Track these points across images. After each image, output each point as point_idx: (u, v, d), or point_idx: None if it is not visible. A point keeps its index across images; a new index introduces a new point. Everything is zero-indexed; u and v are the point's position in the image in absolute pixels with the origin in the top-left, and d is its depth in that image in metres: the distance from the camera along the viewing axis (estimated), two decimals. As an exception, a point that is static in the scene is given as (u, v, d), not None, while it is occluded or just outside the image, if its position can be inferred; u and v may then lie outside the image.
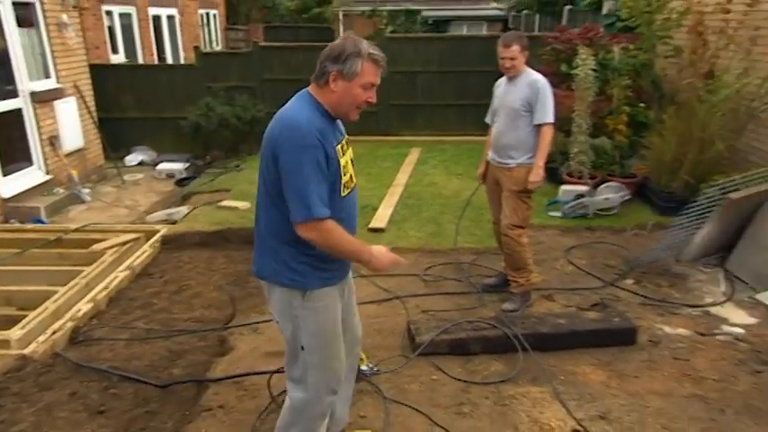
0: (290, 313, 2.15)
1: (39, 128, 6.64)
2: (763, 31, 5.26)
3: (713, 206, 4.35)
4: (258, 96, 8.81)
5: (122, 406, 3.00)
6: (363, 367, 3.10)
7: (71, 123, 7.22)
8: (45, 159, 6.74)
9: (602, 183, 5.65)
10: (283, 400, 2.88)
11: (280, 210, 2.03)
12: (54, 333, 3.59)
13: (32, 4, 6.64)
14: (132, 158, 8.53)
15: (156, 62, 11.23)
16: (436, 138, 9.01)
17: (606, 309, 3.81)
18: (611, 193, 5.50)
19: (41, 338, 3.52)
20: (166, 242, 5.17)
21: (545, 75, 3.78)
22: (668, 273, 4.42)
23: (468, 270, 4.49)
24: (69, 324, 3.72)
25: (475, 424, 2.80)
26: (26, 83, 6.47)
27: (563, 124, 5.80)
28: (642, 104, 6.29)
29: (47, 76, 6.92)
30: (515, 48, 3.57)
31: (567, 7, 11.01)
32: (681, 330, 3.63)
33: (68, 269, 4.41)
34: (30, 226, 5.60)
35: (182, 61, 12.33)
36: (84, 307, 3.93)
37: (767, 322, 3.72)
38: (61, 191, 6.67)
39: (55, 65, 6.98)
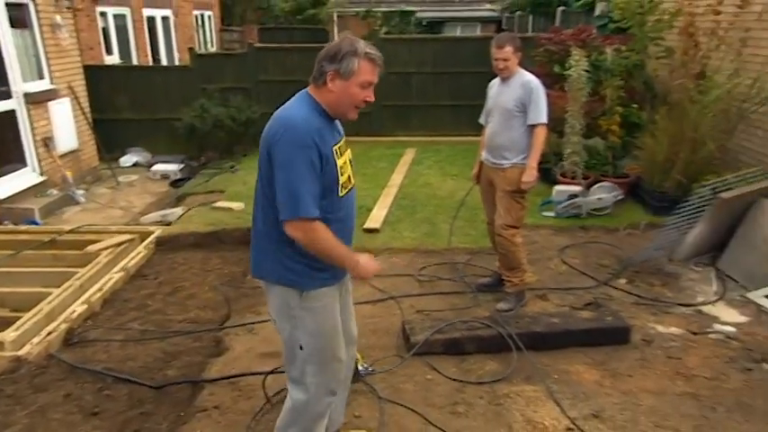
0: (287, 313, 2.15)
1: (32, 129, 6.62)
2: (753, 33, 5.31)
3: (705, 206, 4.39)
4: (253, 98, 8.80)
5: (117, 407, 3.00)
6: (359, 367, 3.11)
7: (65, 124, 7.21)
8: (39, 160, 6.72)
9: (596, 183, 5.68)
10: (278, 401, 2.92)
11: (277, 210, 2.03)
12: (48, 335, 3.59)
13: (26, 5, 6.62)
14: (127, 160, 8.51)
15: (150, 63, 11.21)
16: (431, 138, 9.03)
17: (600, 308, 3.83)
18: (604, 193, 5.53)
19: (36, 340, 3.52)
20: (161, 243, 5.17)
21: (538, 76, 3.80)
22: (661, 272, 4.45)
23: (462, 270, 4.51)
24: (64, 326, 3.71)
25: (469, 423, 2.81)
26: (20, 84, 6.45)
27: (556, 125, 5.83)
28: (635, 105, 6.33)
29: (40, 77, 6.90)
30: (508, 49, 3.59)
31: (560, 8, 11.06)
32: (673, 329, 3.66)
33: (63, 270, 4.41)
34: (23, 227, 5.59)
35: (176, 62, 12.29)
36: (78, 308, 3.92)
37: (758, 320, 3.76)
38: (55, 192, 6.65)
39: (49, 66, 6.96)
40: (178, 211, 6.08)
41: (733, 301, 4.02)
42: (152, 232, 5.29)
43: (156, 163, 8.19)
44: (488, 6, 17.82)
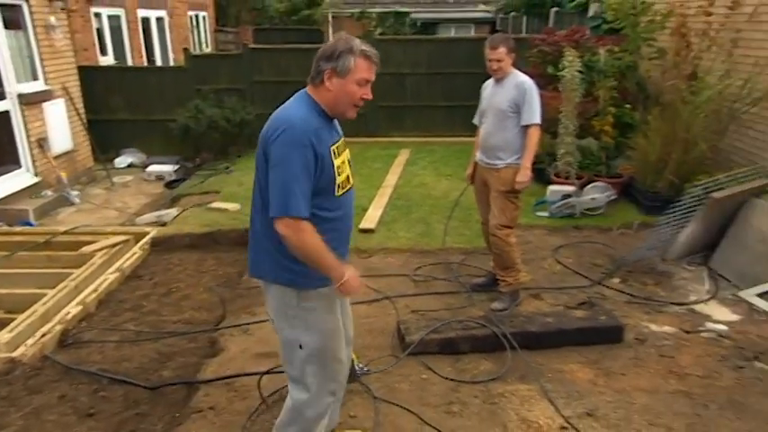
0: (286, 313, 2.15)
1: (27, 130, 6.61)
2: (743, 34, 5.36)
3: (697, 205, 4.43)
4: (248, 98, 8.80)
5: (112, 408, 2.99)
6: (356, 367, 3.12)
7: (60, 125, 7.19)
8: (33, 161, 6.71)
9: (589, 183, 5.71)
10: (274, 402, 2.92)
11: None
12: (43, 336, 3.58)
13: (19, 6, 6.60)
14: (122, 160, 8.50)
15: (145, 64, 11.18)
16: (425, 139, 9.05)
17: (593, 307, 3.86)
18: (597, 193, 5.56)
19: (30, 341, 3.51)
20: (156, 244, 5.16)
21: (532, 76, 3.82)
22: (654, 271, 4.48)
23: (457, 270, 4.52)
24: (58, 327, 3.70)
25: (464, 423, 2.82)
26: (14, 85, 6.43)
27: (550, 125, 5.85)
28: (627, 106, 6.37)
29: (35, 78, 6.88)
30: (502, 50, 3.61)
31: (554, 9, 11.10)
32: (666, 328, 3.68)
33: (57, 272, 4.40)
34: (18, 228, 5.57)
35: (171, 63, 12.26)
36: (73, 310, 3.91)
37: (750, 319, 3.79)
38: (50, 193, 6.63)
39: (43, 67, 6.94)
40: (173, 212, 6.08)
41: (725, 299, 4.05)
42: (147, 233, 5.28)
43: (151, 164, 8.19)
44: (482, 7, 17.89)
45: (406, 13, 17.55)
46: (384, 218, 5.67)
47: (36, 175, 6.72)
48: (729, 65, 5.38)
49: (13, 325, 3.59)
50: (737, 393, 3.03)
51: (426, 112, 9.24)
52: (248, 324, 3.76)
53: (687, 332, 3.63)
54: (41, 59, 6.90)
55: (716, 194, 4.33)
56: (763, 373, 3.19)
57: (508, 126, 3.69)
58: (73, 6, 8.12)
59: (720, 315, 3.85)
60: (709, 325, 3.71)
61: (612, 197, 5.61)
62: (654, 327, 3.70)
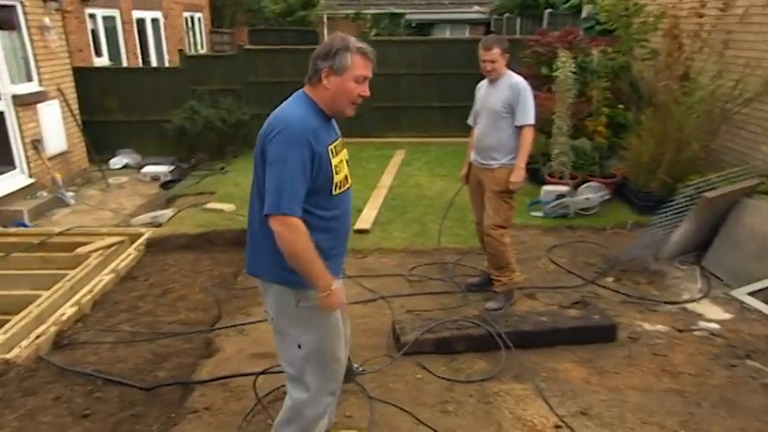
0: (285, 312, 2.15)
1: (21, 131, 6.59)
2: (734, 35, 5.40)
3: (690, 205, 4.46)
4: (243, 99, 8.80)
5: (107, 409, 2.99)
6: (353, 366, 3.12)
7: (54, 126, 7.17)
8: (28, 163, 6.69)
9: (583, 183, 5.74)
10: (269, 402, 2.92)
11: None
12: (38, 337, 3.57)
13: (13, 7, 6.58)
14: (117, 161, 8.48)
15: (140, 65, 11.16)
16: (420, 139, 9.07)
17: (587, 306, 3.88)
18: (591, 193, 5.59)
19: (25, 343, 3.50)
20: (151, 245, 5.15)
21: (526, 77, 3.85)
22: (647, 270, 4.51)
23: (452, 270, 4.54)
24: (53, 328, 3.70)
25: (459, 422, 2.83)
26: (8, 86, 6.42)
27: (544, 126, 5.89)
28: (621, 106, 6.41)
29: (29, 79, 6.86)
30: (496, 51, 3.63)
31: (548, 11, 11.13)
32: (659, 327, 3.71)
33: (52, 273, 4.39)
34: (13, 230, 5.55)
35: (166, 64, 12.25)
36: (68, 311, 3.91)
37: (741, 317, 3.82)
38: (45, 194, 6.62)
39: (37, 68, 6.93)
40: (168, 212, 6.07)
41: (717, 298, 4.08)
42: (142, 234, 5.27)
43: (147, 165, 8.18)
44: (477, 8, 17.93)
45: (401, 14, 17.57)
46: (379, 218, 5.68)
47: (31, 176, 6.70)
48: (721, 66, 5.42)
49: (7, 326, 3.59)
50: (729, 391, 3.05)
51: (421, 112, 9.26)
52: (244, 324, 3.76)
53: (680, 331, 3.66)
54: (36, 60, 6.88)
55: (708, 194, 4.37)
56: (754, 371, 3.22)
57: (502, 126, 3.71)
58: (67, 7, 8.10)
59: (713, 314, 3.88)
60: (702, 324, 3.74)
61: (606, 197, 5.65)
62: (647, 326, 3.72)
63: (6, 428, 2.85)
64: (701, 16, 5.63)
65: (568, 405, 2.95)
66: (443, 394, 3.05)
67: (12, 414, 2.96)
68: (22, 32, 6.69)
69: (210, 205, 6.09)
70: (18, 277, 4.40)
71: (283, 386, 2.93)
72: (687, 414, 2.88)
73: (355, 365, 3.19)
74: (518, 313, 3.76)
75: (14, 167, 6.59)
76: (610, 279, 4.39)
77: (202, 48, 15.39)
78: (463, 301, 4.03)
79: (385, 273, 4.51)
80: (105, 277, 4.43)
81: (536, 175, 6.13)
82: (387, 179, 7.01)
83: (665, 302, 4.02)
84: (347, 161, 2.22)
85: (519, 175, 3.70)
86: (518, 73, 3.82)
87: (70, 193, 6.91)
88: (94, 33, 9.74)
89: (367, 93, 2.11)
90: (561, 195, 5.58)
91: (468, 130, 4.08)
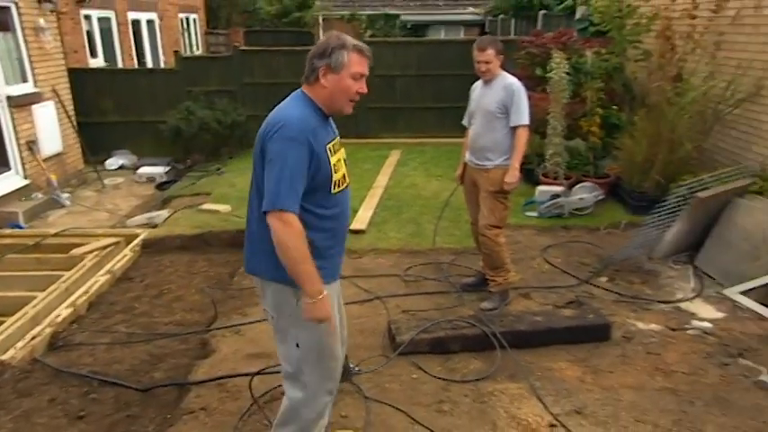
0: (284, 311, 2.15)
1: (16, 132, 6.58)
2: (726, 37, 5.45)
3: (682, 205, 4.49)
4: (239, 100, 8.81)
5: (103, 411, 2.99)
6: (350, 365, 3.13)
7: (49, 128, 7.16)
8: (23, 164, 6.68)
9: (577, 183, 5.76)
10: (265, 402, 2.93)
11: None
12: (33, 339, 3.57)
13: (8, 8, 6.57)
14: (112, 162, 8.47)
15: (135, 66, 11.15)
16: (416, 140, 9.09)
17: (581, 306, 3.90)
18: (585, 193, 5.62)
19: (20, 344, 3.50)
20: (147, 246, 5.15)
21: (520, 78, 3.86)
22: (641, 270, 4.53)
23: (447, 270, 4.55)
24: (48, 330, 3.69)
25: (454, 421, 2.84)
26: (2, 87, 6.40)
27: (538, 126, 5.91)
28: (614, 107, 6.44)
29: (24, 80, 6.85)
30: (490, 52, 3.65)
31: (542, 12, 11.20)
32: (653, 326, 3.73)
33: (47, 274, 4.39)
34: (7, 231, 5.54)
35: (162, 65, 12.23)
36: (63, 312, 3.91)
37: (734, 316, 3.85)
38: (40, 195, 6.60)
39: (32, 69, 6.91)
40: (164, 213, 6.06)
41: (710, 297, 4.11)
42: (138, 235, 5.27)
43: (142, 166, 8.17)
44: (472, 10, 17.99)
45: (396, 16, 17.61)
46: (375, 218, 5.69)
47: (26, 177, 6.69)
48: (713, 67, 5.46)
49: (2, 328, 3.58)
50: (722, 390, 3.07)
51: (417, 113, 9.28)
52: (240, 325, 3.76)
53: (673, 330, 3.68)
54: (31, 62, 6.87)
55: (701, 194, 4.40)
56: (747, 369, 3.24)
57: (497, 127, 3.73)
58: (62, 8, 8.09)
59: (705, 313, 3.90)
60: (695, 322, 3.76)
61: (600, 197, 5.67)
62: (641, 325, 3.74)
63: (1, 430, 2.85)
64: (694, 18, 5.68)
65: (563, 404, 2.96)
66: (439, 394, 3.05)
67: (7, 415, 2.95)
68: (16, 33, 6.68)
69: (206, 206, 6.09)
70: (13, 279, 4.39)
71: (279, 386, 2.92)
72: (680, 412, 2.90)
73: (351, 365, 3.21)
74: (513, 313, 3.77)
75: (9, 169, 6.57)
76: (604, 279, 4.41)
77: (198, 49, 15.37)
78: (458, 301, 4.04)
79: (380, 273, 4.52)
80: (101, 278, 4.43)
81: (531, 176, 6.16)
82: (382, 179, 7.02)
83: (659, 302, 4.04)
84: (345, 160, 2.23)
85: (513, 176, 3.71)
86: (512, 74, 3.84)
87: (65, 195, 6.89)
88: (90, 34, 9.73)
89: (364, 90, 2.12)
90: (556, 195, 5.60)
91: (462, 131, 4.09)
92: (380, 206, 6.07)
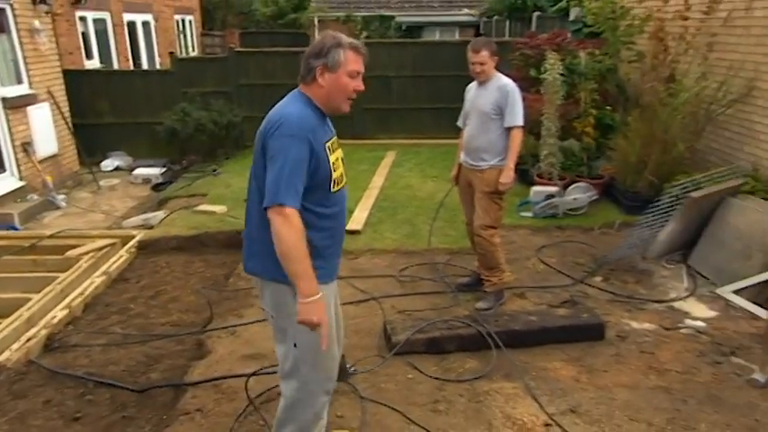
0: (283, 310, 2.15)
1: (11, 134, 6.56)
2: (718, 38, 5.49)
3: (676, 205, 4.51)
4: (234, 101, 8.81)
5: (99, 412, 2.99)
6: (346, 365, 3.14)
7: (45, 129, 7.15)
8: (18, 165, 6.67)
9: (571, 183, 5.79)
10: (261, 403, 2.93)
11: None
12: (28, 340, 3.56)
13: (3, 10, 6.56)
14: (108, 164, 8.46)
15: (131, 68, 11.13)
16: (411, 141, 9.11)
17: (576, 305, 3.92)
18: (579, 194, 5.65)
19: (15, 346, 3.49)
20: (143, 247, 5.15)
21: (515, 79, 3.89)
22: (635, 269, 4.56)
23: (442, 270, 4.57)
24: (44, 331, 3.69)
25: (450, 421, 2.85)
26: (-3, 89, 6.40)
27: (533, 127, 5.92)
28: (608, 108, 6.48)
29: (19, 81, 6.84)
30: (484, 53, 3.67)
31: (536, 14, 11.22)
32: (647, 325, 3.75)
33: (43, 276, 4.38)
34: (3, 233, 5.51)
35: (157, 67, 12.22)
36: (59, 313, 3.90)
37: (726, 315, 3.87)
38: (35, 197, 6.59)
39: (27, 71, 6.90)
40: (160, 214, 6.06)
41: (703, 296, 4.13)
42: (134, 236, 5.27)
43: (138, 167, 8.16)
44: (466, 11, 18.02)
45: (392, 17, 17.63)
46: (370, 219, 5.70)
47: (21, 178, 6.68)
48: (705, 68, 5.51)
49: (-3, 330, 3.58)
50: (715, 388, 3.09)
51: (412, 114, 9.30)
52: (235, 326, 3.76)
53: (667, 329, 3.70)
54: (26, 63, 6.86)
55: (694, 194, 4.42)
56: (739, 367, 3.26)
57: (491, 128, 3.75)
58: (58, 10, 8.08)
59: (698, 312, 3.93)
60: (688, 321, 3.79)
61: (594, 197, 5.70)
62: (634, 324, 3.76)
63: (-3, 432, 2.86)
64: (686, 19, 5.72)
65: (558, 403, 2.97)
66: (434, 394, 3.06)
67: (2, 417, 2.95)
68: (11, 35, 6.67)
69: (202, 207, 6.09)
70: (8, 280, 4.38)
71: (275, 387, 2.94)
72: (674, 411, 2.91)
73: (348, 365, 3.22)
74: (508, 313, 3.78)
75: (4, 170, 6.56)
76: (598, 278, 4.44)
77: (193, 50, 15.36)
78: (454, 301, 4.05)
79: (376, 273, 4.53)
80: (96, 280, 4.43)
81: (525, 176, 6.19)
82: (378, 180, 7.03)
83: (653, 301, 4.07)
84: (342, 159, 2.24)
85: (508, 176, 3.74)
86: (507, 75, 3.85)
87: (61, 196, 6.88)
88: (85, 36, 9.72)
89: (361, 87, 2.13)
90: (550, 196, 5.62)
91: (458, 132, 4.11)
92: (376, 207, 6.08)
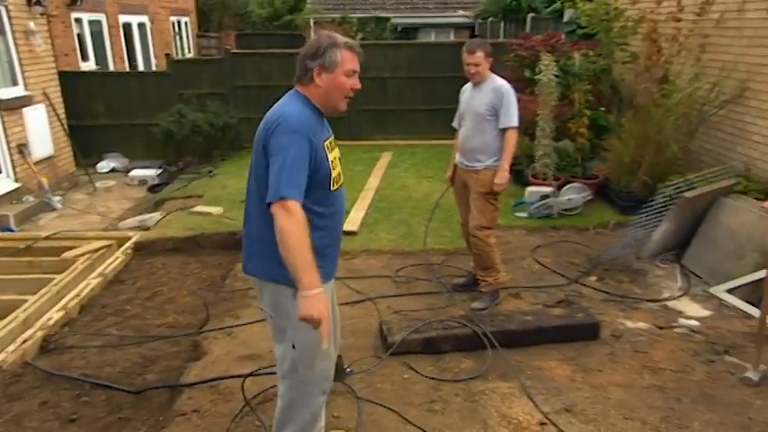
0: (282, 311, 2.16)
1: (6, 136, 6.55)
2: (711, 39, 5.53)
3: (669, 205, 4.54)
4: (230, 103, 8.81)
5: (95, 413, 2.99)
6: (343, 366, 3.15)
7: (40, 131, 7.13)
8: (14, 167, 6.65)
9: (566, 184, 5.80)
10: (257, 404, 2.93)
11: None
12: (24, 342, 3.56)
13: (-3, 12, 6.55)
14: (104, 165, 8.45)
15: (126, 69, 11.12)
16: (407, 142, 9.13)
17: (571, 305, 3.93)
18: (574, 194, 5.67)
19: (11, 348, 3.49)
20: (139, 248, 5.15)
21: (509, 80, 3.90)
22: (629, 269, 4.58)
23: (438, 270, 4.58)
24: (40, 333, 3.68)
25: (446, 420, 2.86)
26: (-8, 91, 6.39)
27: (527, 128, 5.95)
28: (602, 108, 6.50)
29: (14, 83, 6.83)
30: (479, 54, 3.68)
31: (531, 15, 11.28)
32: (641, 324, 3.76)
33: (39, 277, 4.37)
34: (-2, 235, 5.52)
35: (153, 68, 12.21)
36: (55, 315, 3.90)
37: (720, 314, 3.90)
38: (31, 199, 6.58)
39: (23, 72, 6.89)
40: (156, 216, 6.05)
41: (696, 296, 4.16)
42: (130, 237, 5.26)
43: (134, 168, 8.15)
44: (461, 13, 18.07)
45: (387, 19, 17.66)
46: (366, 220, 5.71)
47: (16, 180, 6.66)
48: (698, 69, 5.54)
49: (-7, 332, 3.57)
50: (709, 386, 3.11)
51: (408, 115, 9.32)
52: (231, 327, 3.76)
53: (661, 328, 3.72)
54: (21, 65, 6.85)
55: (687, 194, 4.45)
56: (732, 366, 3.28)
57: (486, 129, 3.76)
58: (53, 12, 8.07)
59: (692, 311, 3.95)
60: (682, 321, 3.81)
61: (588, 197, 5.73)
62: (629, 323, 3.78)
63: (-8, 434, 2.85)
64: (679, 21, 5.75)
65: (553, 402, 2.98)
66: (430, 393, 3.07)
67: (-2, 419, 2.95)
68: (6, 36, 6.66)
69: (198, 208, 6.09)
70: (4, 282, 4.37)
71: (271, 387, 2.95)
72: (668, 409, 2.93)
73: (344, 365, 3.23)
74: (503, 313, 3.79)
75: (0, 172, 6.54)
76: (593, 278, 4.46)
77: (189, 52, 15.35)
78: (449, 302, 4.06)
79: (372, 274, 4.54)
80: (92, 281, 4.42)
81: (520, 177, 6.21)
82: (374, 181, 7.05)
83: (647, 300, 4.09)
84: (339, 158, 2.25)
85: (503, 177, 3.75)
86: (501, 76, 3.87)
87: (57, 198, 6.87)
88: (80, 38, 9.70)
89: (358, 85, 2.15)
90: (545, 196, 5.64)
91: (453, 133, 4.12)
92: (372, 208, 6.09)
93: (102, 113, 8.71)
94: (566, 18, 8.51)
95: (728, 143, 5.38)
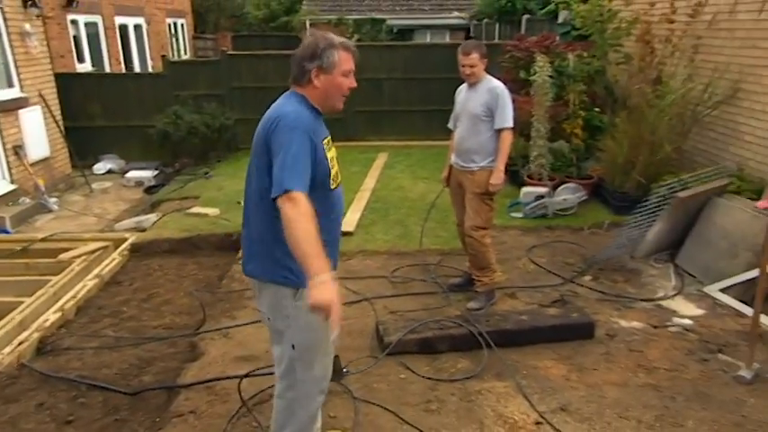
0: (281, 312, 2.16)
1: (2, 137, 6.53)
2: (704, 40, 5.57)
3: (663, 205, 4.57)
4: (227, 104, 8.81)
5: (91, 415, 2.99)
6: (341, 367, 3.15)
7: (36, 132, 7.12)
8: (10, 169, 6.64)
9: (561, 184, 5.83)
10: (254, 405, 2.93)
11: (273, 206, 2.01)
12: (20, 344, 3.56)
13: (-7, 14, 6.54)
14: (100, 167, 8.43)
15: (123, 71, 11.10)
16: (402, 143, 9.13)
17: (566, 305, 3.95)
18: (568, 194, 5.69)
19: (7, 350, 3.49)
20: (136, 250, 5.15)
21: (504, 81, 3.92)
22: (623, 269, 4.60)
23: (434, 271, 4.59)
24: (36, 334, 3.69)
25: (442, 420, 2.87)
26: (-12, 92, 6.37)
27: (522, 129, 5.96)
28: (596, 109, 6.53)
29: (10, 85, 6.82)
30: (475, 55, 3.70)
31: (525, 16, 11.33)
32: (635, 323, 3.78)
33: (35, 279, 4.37)
34: (-6, 237, 5.51)
35: (149, 70, 12.19)
36: (51, 317, 3.90)
37: (713, 313, 3.92)
38: (27, 200, 6.56)
39: (18, 74, 6.88)
40: (153, 217, 6.05)
41: (690, 295, 4.18)
42: (126, 239, 5.26)
43: (130, 170, 8.15)
44: (457, 14, 18.12)
45: (383, 20, 17.69)
46: (362, 221, 5.72)
47: (12, 182, 6.64)
48: (691, 70, 5.58)
49: (-10, 333, 3.57)
50: (703, 385, 3.13)
51: (403, 116, 9.34)
52: (228, 328, 3.77)
53: (655, 327, 3.74)
54: (17, 66, 6.84)
55: (681, 194, 4.48)
56: (726, 364, 3.30)
57: (482, 130, 3.77)
58: (49, 13, 8.05)
59: (686, 310, 3.97)
60: (676, 320, 3.83)
61: (583, 198, 5.75)
62: (623, 322, 3.80)
63: (-11, 436, 2.85)
64: (672, 22, 5.79)
65: (548, 401, 3.00)
66: (426, 393, 3.08)
67: (-6, 421, 2.95)
68: (2, 38, 6.64)
69: (195, 209, 6.09)
70: (0, 284, 4.37)
71: (268, 388, 2.95)
72: (663, 408, 2.94)
73: (341, 366, 3.24)
74: (499, 312, 3.81)
75: (-5, 174, 6.54)
76: (588, 278, 4.48)
77: (186, 53, 15.33)
78: (445, 302, 4.08)
79: (368, 275, 4.55)
80: (89, 283, 4.42)
81: (515, 177, 6.24)
82: (370, 182, 7.06)
83: (641, 300, 4.10)
84: (336, 158, 2.27)
85: (498, 178, 3.77)
86: (497, 77, 3.89)
87: (53, 199, 6.86)
88: (76, 39, 9.68)
89: (354, 84, 2.17)
90: (540, 196, 5.66)
91: (449, 133, 4.13)
92: (368, 208, 6.10)
93: (98, 115, 8.70)
94: (560, 19, 8.54)
95: (721, 143, 5.42)
